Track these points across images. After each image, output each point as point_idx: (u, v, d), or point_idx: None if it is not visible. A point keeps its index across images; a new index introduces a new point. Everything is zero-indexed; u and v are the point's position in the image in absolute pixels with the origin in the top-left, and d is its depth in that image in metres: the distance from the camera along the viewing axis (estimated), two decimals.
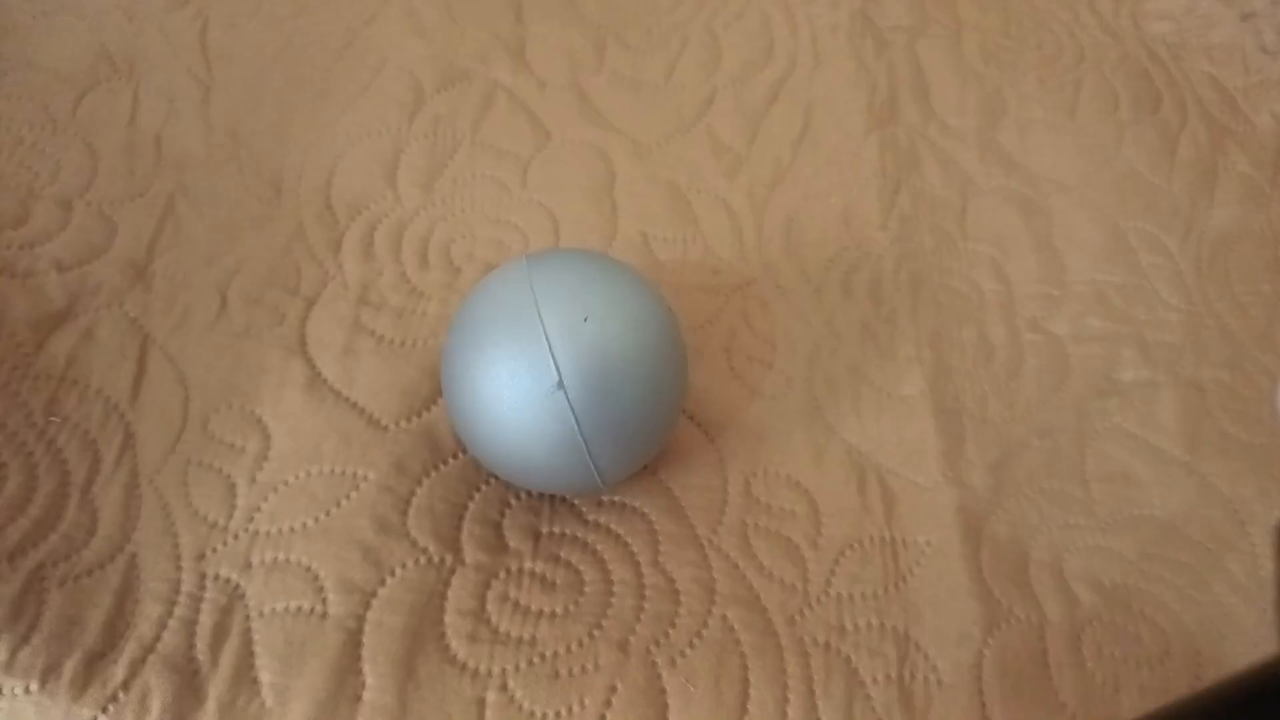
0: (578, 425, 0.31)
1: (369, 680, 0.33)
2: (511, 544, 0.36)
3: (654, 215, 0.47)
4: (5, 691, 0.31)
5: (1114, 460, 0.41)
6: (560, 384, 0.31)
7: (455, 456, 0.38)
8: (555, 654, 0.34)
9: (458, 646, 0.34)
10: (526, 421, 0.32)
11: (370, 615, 0.34)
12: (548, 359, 0.31)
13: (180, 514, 0.36)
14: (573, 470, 0.33)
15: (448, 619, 0.34)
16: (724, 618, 0.35)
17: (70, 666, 0.32)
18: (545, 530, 0.37)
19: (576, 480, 0.34)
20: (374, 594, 0.34)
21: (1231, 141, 0.54)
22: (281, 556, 0.35)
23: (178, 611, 0.33)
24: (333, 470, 0.37)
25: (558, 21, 0.56)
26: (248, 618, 0.34)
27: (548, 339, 0.31)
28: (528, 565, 0.36)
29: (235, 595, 0.34)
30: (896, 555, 0.38)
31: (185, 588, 0.34)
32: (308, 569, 0.35)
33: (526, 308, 0.32)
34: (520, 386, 0.31)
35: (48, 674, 0.31)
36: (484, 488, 0.37)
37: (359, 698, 0.32)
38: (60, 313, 0.39)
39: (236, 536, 0.35)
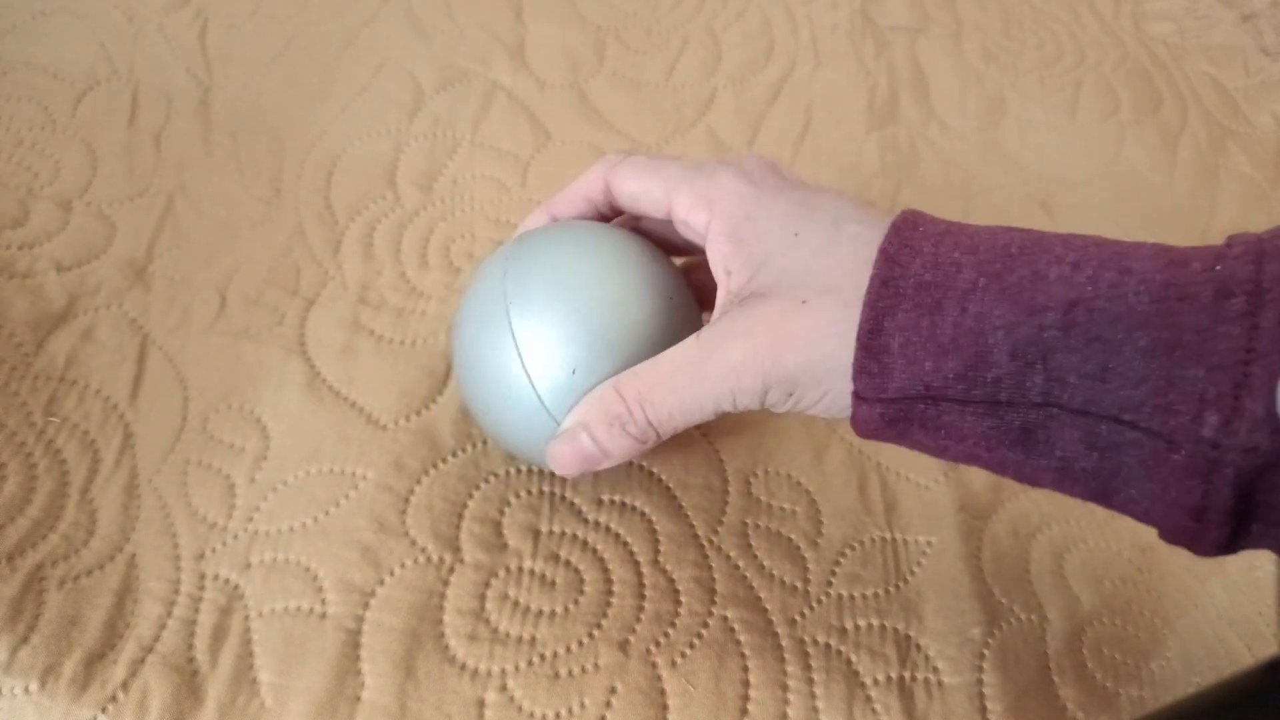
0: (515, 340, 0.31)
1: (368, 680, 0.33)
2: (511, 543, 0.36)
3: None
4: (5, 691, 0.31)
5: None
6: (505, 296, 0.31)
7: (454, 455, 0.38)
8: (555, 654, 0.34)
9: (457, 646, 0.34)
10: (479, 354, 0.32)
11: (369, 615, 0.34)
12: (502, 282, 0.31)
13: (179, 514, 0.36)
14: (517, 402, 0.31)
15: (447, 618, 0.34)
16: (724, 618, 0.35)
17: (70, 667, 0.32)
18: (545, 529, 0.37)
19: (524, 418, 0.31)
20: (373, 594, 0.34)
21: (1232, 142, 0.54)
22: (280, 556, 0.35)
23: (177, 611, 0.33)
24: (331, 470, 0.37)
25: (558, 21, 0.56)
26: (247, 618, 0.34)
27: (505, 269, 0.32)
28: (527, 564, 0.36)
29: (234, 595, 0.34)
30: (897, 555, 0.38)
31: (184, 588, 0.34)
32: (307, 569, 0.35)
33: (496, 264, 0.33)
34: (476, 312, 0.32)
35: (47, 674, 0.31)
36: (483, 486, 0.37)
37: (358, 698, 0.32)
38: (59, 313, 0.39)
39: (236, 536, 0.35)
